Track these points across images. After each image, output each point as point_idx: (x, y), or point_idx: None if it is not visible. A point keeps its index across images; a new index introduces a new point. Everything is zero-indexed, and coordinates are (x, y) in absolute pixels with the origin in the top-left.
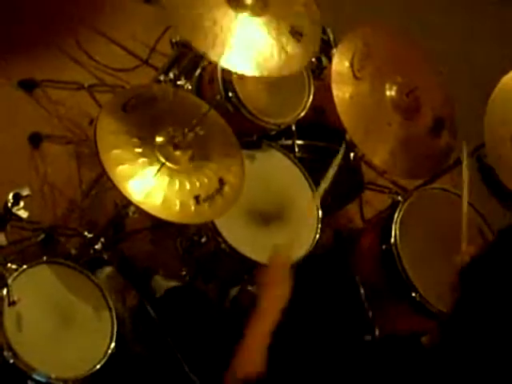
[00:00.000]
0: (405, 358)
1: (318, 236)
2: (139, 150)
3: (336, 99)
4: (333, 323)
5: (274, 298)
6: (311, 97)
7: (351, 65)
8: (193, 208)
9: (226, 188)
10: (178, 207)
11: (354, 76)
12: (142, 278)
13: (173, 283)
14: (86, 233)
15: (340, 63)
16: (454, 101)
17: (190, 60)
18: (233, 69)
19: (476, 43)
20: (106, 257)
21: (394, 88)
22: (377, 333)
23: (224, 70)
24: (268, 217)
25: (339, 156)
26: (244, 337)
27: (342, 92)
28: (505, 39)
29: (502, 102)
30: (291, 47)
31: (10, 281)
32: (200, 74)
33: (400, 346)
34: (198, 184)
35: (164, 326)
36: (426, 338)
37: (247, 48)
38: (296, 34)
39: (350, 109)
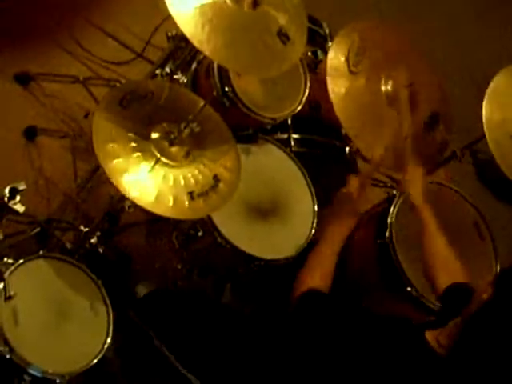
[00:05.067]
0: (407, 349)
1: (314, 230)
2: (135, 145)
3: (331, 94)
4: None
5: (344, 219)
6: (307, 91)
7: (347, 59)
8: (187, 204)
9: (221, 185)
10: (171, 202)
11: (350, 71)
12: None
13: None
14: (81, 226)
15: (336, 58)
16: (449, 96)
17: (186, 54)
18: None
19: (473, 40)
20: (101, 250)
21: (390, 83)
22: None
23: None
24: (264, 210)
25: None
26: (313, 253)
27: (337, 87)
28: (502, 36)
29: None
30: (276, 48)
31: (6, 275)
32: (196, 69)
33: (403, 334)
34: (192, 180)
35: (150, 328)
36: (433, 337)
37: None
38: (283, 36)
39: (346, 104)
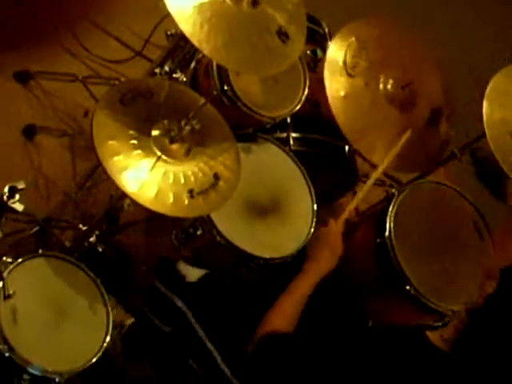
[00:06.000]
0: (409, 351)
1: (312, 229)
2: (135, 142)
3: (330, 98)
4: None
5: (322, 259)
6: (306, 90)
7: (344, 63)
8: (186, 202)
9: (221, 183)
10: (171, 200)
11: (348, 74)
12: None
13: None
14: (80, 225)
15: (333, 63)
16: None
17: (185, 52)
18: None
19: (476, 40)
20: (100, 249)
21: (390, 82)
22: (370, 323)
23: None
24: (263, 209)
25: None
26: (284, 293)
27: (336, 91)
28: (505, 37)
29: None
30: (275, 47)
31: (5, 274)
32: (195, 67)
33: (403, 337)
34: (192, 178)
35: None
36: (435, 334)
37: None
38: (282, 35)
39: (345, 107)
